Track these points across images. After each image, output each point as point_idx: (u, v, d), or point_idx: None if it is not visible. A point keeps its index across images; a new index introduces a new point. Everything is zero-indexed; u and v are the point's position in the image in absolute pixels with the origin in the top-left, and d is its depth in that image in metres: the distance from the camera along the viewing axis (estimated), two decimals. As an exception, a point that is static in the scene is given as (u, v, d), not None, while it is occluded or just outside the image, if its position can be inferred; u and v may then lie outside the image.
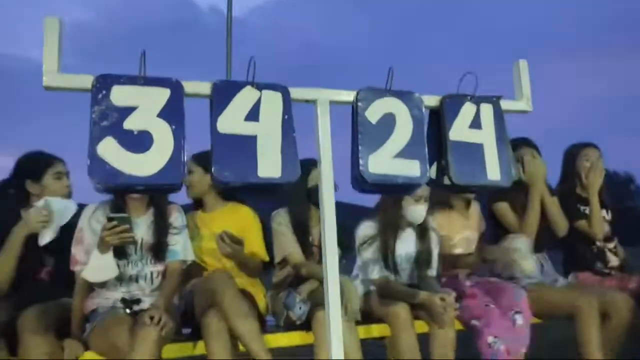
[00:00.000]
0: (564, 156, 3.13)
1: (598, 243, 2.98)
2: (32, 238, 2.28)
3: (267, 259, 2.60)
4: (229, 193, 2.62)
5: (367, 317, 2.47)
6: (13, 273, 2.26)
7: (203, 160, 2.52)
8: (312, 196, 2.58)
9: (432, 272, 2.66)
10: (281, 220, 2.63)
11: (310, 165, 2.38)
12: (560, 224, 2.87)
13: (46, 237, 2.28)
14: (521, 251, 2.59)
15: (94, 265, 2.19)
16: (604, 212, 3.00)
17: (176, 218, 2.40)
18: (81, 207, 2.38)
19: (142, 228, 2.33)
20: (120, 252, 2.26)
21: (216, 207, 2.64)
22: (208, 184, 2.58)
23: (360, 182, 1.45)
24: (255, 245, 2.58)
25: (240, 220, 2.62)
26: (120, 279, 2.27)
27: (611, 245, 3.01)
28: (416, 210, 2.57)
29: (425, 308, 2.40)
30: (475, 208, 3.02)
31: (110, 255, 2.21)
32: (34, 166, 2.42)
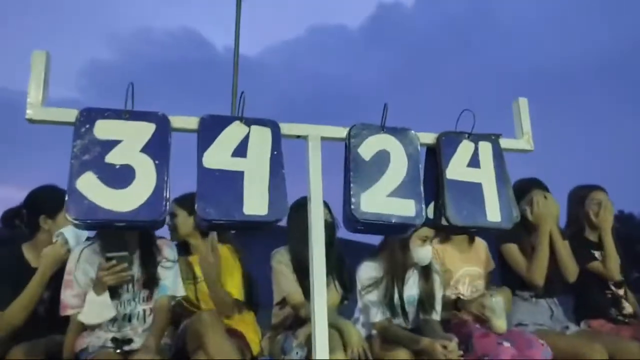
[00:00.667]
0: (571, 199, 3.04)
1: (613, 288, 2.86)
2: (31, 273, 2.25)
3: (241, 298, 2.49)
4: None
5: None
6: (30, 312, 2.22)
7: (187, 202, 2.50)
8: None
9: (436, 315, 2.55)
10: (281, 259, 2.57)
11: None
12: (571, 268, 2.75)
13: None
14: (494, 311, 2.45)
15: (91, 307, 2.15)
16: None
17: (168, 253, 2.36)
18: None
19: (135, 265, 2.29)
20: (113, 291, 2.21)
21: (201, 249, 2.58)
22: (192, 226, 2.55)
23: (352, 221, 1.39)
24: (229, 284, 2.49)
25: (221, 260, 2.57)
26: (113, 319, 2.23)
27: (621, 291, 2.88)
28: (424, 250, 2.49)
29: (427, 354, 2.29)
30: (480, 244, 2.92)
31: (106, 296, 2.18)
32: (51, 203, 2.41)
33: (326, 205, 2.50)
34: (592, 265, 2.85)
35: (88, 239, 2.31)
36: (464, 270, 2.78)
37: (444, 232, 2.75)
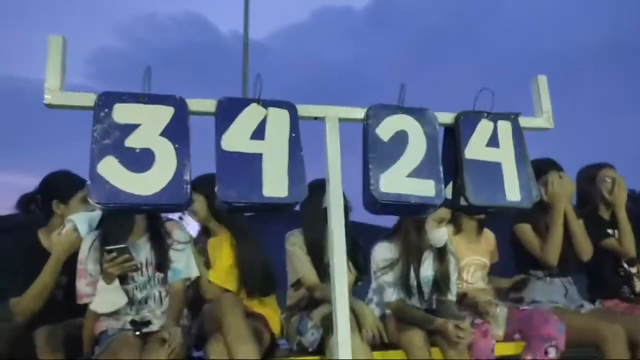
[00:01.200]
0: (581, 178, 3.01)
1: (625, 266, 2.85)
2: (47, 259, 2.27)
3: (222, 284, 2.39)
4: (228, 219, 2.54)
5: (382, 341, 2.38)
6: (48, 296, 2.25)
7: (202, 186, 2.39)
8: (327, 217, 2.52)
9: (451, 296, 2.56)
10: (295, 241, 2.58)
11: (324, 185, 2.32)
12: (585, 247, 2.75)
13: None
14: (496, 320, 2.49)
15: (102, 296, 2.18)
16: None
17: (179, 235, 2.37)
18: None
19: (145, 249, 2.30)
20: (128, 277, 2.23)
21: (219, 232, 2.59)
22: (207, 210, 2.53)
23: (372, 202, 1.38)
24: (211, 271, 2.44)
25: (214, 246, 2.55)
26: (131, 302, 2.25)
27: (634, 269, 2.87)
28: (439, 232, 2.49)
29: (442, 334, 2.30)
30: (489, 236, 2.93)
31: (116, 284, 2.20)
32: (64, 188, 2.42)
33: None
34: (607, 243, 2.84)
35: (100, 225, 2.32)
36: (469, 259, 2.79)
37: (462, 215, 2.76)
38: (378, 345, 2.33)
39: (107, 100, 1.25)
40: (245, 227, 2.56)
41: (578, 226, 2.74)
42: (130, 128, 1.24)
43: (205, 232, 2.63)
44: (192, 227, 2.63)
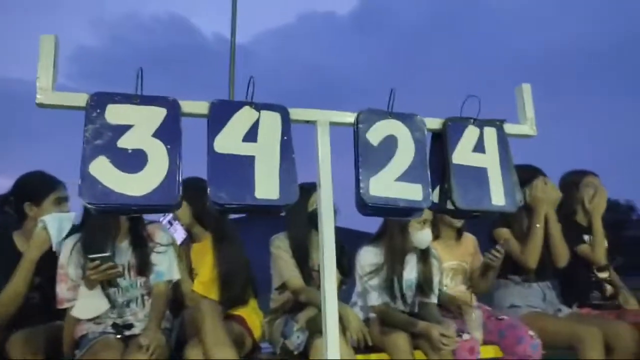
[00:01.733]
0: (563, 184, 3.08)
1: (596, 272, 2.93)
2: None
3: (202, 293, 2.37)
4: (213, 224, 2.54)
5: (366, 344, 2.40)
6: (22, 299, 2.21)
7: (184, 191, 2.43)
8: (313, 220, 2.53)
9: (434, 298, 2.59)
10: (280, 244, 2.59)
11: (311, 188, 2.34)
12: (562, 253, 2.81)
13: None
14: (472, 324, 2.52)
15: (84, 302, 2.16)
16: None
17: (160, 237, 2.36)
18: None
19: (127, 253, 2.29)
20: (110, 281, 2.22)
21: (202, 237, 2.58)
22: (190, 216, 2.53)
23: (362, 205, 1.40)
24: (196, 279, 2.45)
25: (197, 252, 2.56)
26: (113, 306, 2.24)
27: (605, 274, 2.95)
28: (423, 234, 2.52)
29: (425, 338, 2.33)
30: (469, 239, 2.97)
31: (98, 290, 2.19)
32: (36, 190, 2.39)
33: None
34: (580, 248, 2.92)
35: (74, 227, 2.29)
36: (447, 264, 2.84)
37: (439, 221, 2.80)
38: (362, 348, 2.35)
39: (99, 100, 1.24)
40: (230, 232, 2.54)
41: (557, 232, 2.80)
42: (123, 129, 1.23)
43: (190, 237, 2.62)
44: (180, 232, 2.62)
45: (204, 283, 2.40)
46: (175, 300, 2.44)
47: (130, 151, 1.23)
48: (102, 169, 1.19)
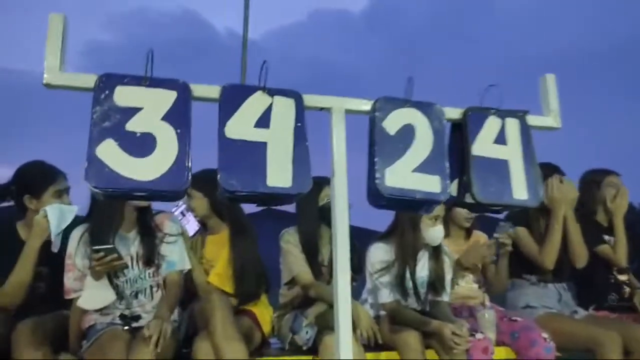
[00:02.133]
0: (584, 183, 3.01)
1: (615, 273, 2.85)
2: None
3: (218, 285, 2.35)
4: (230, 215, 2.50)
5: (377, 342, 2.35)
6: (28, 287, 2.19)
7: (201, 183, 2.31)
8: (323, 215, 2.49)
9: (446, 296, 2.53)
10: (290, 238, 2.55)
11: (322, 182, 2.29)
12: (581, 254, 2.74)
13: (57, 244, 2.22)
14: (485, 325, 2.47)
15: (90, 292, 2.13)
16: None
17: (170, 227, 2.33)
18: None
19: (135, 243, 2.26)
20: (117, 272, 2.19)
21: (219, 230, 2.54)
22: (207, 208, 2.50)
23: (376, 196, 1.35)
24: (212, 271, 2.42)
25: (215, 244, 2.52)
26: (120, 297, 2.21)
27: (624, 277, 2.88)
28: (435, 230, 2.47)
29: (437, 337, 2.27)
30: (480, 237, 2.90)
31: (104, 281, 2.16)
32: (35, 183, 2.36)
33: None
34: (601, 249, 2.84)
35: (77, 218, 2.26)
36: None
37: (449, 220, 2.75)
38: (372, 346, 2.30)
39: (108, 82, 1.20)
40: (247, 226, 2.51)
41: (576, 233, 2.73)
42: (132, 111, 1.19)
43: (205, 229, 2.59)
44: (193, 224, 2.59)
45: (220, 275, 2.38)
46: (184, 291, 2.41)
47: (138, 134, 1.18)
48: (110, 153, 1.15)
